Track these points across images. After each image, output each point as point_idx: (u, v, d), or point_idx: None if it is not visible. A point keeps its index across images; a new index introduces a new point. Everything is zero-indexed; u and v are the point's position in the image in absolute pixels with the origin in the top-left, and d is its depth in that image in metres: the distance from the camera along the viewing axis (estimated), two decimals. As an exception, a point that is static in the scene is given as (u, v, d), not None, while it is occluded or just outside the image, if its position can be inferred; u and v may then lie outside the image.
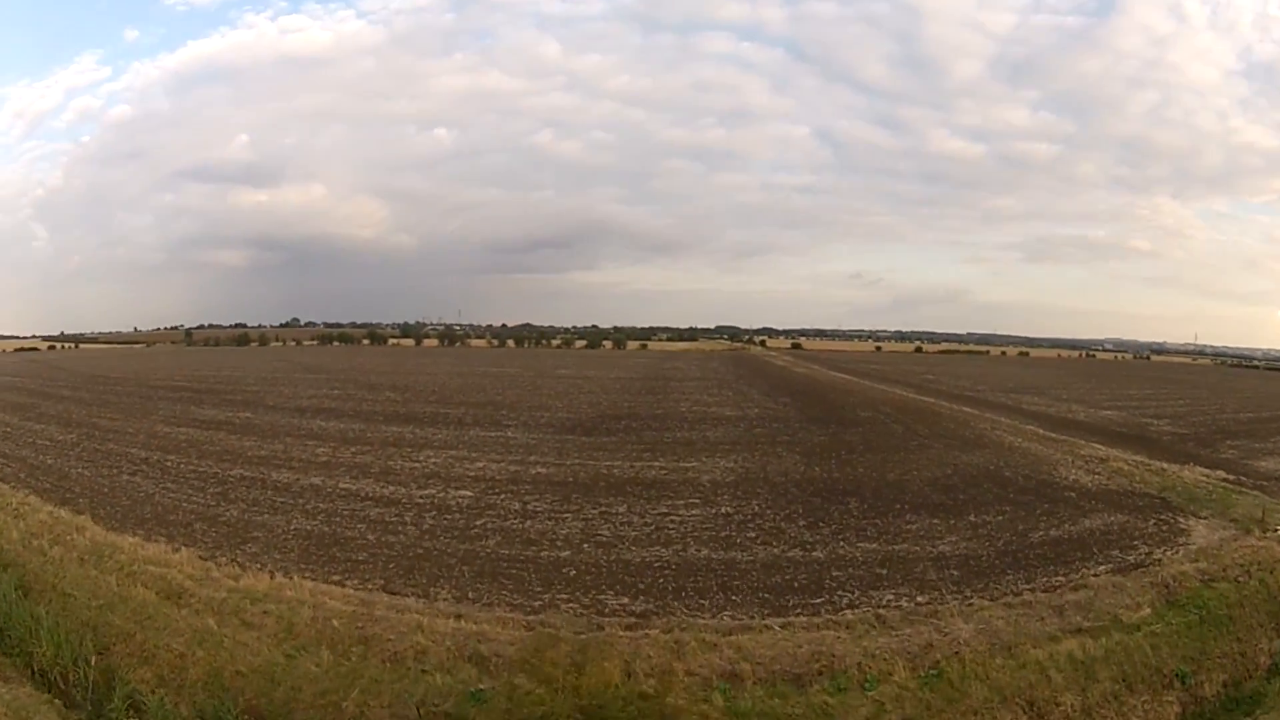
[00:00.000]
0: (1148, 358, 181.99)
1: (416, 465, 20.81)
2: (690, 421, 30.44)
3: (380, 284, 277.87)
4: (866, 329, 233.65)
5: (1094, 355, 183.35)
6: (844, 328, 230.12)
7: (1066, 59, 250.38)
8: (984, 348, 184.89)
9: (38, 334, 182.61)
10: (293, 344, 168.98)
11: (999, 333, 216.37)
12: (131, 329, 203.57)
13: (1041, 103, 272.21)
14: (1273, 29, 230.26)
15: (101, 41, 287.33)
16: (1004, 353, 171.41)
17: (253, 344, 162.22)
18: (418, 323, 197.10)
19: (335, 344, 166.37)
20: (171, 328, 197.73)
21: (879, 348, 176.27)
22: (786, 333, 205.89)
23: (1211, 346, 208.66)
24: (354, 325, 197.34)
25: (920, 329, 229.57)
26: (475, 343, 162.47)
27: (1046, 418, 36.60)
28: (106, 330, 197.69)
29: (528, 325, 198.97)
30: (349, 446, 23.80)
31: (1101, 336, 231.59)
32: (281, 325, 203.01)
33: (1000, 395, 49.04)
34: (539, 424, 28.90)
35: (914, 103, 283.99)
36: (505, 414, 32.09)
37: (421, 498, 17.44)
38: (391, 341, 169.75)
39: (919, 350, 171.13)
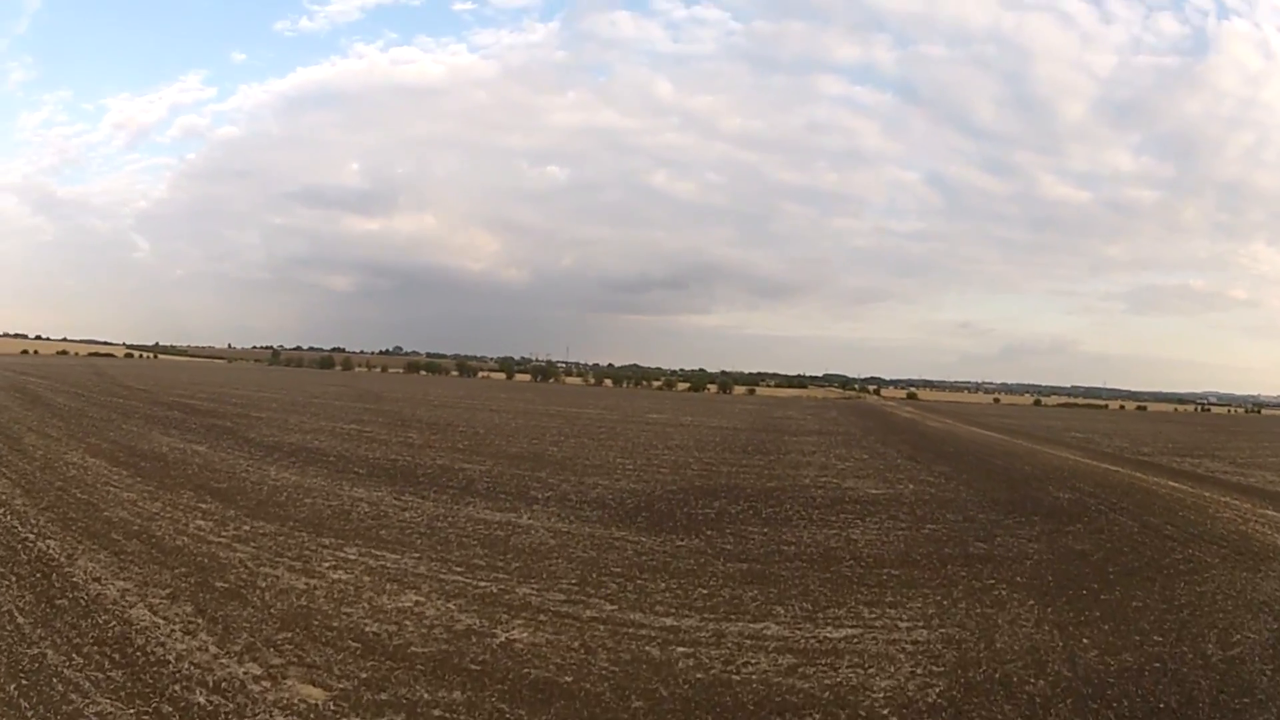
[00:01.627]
0: (1258, 411, 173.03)
1: (298, 584, 10.27)
2: (820, 506, 19.33)
3: (488, 317, 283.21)
4: (975, 380, 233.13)
5: (1208, 409, 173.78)
6: (951, 378, 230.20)
7: (1166, 99, 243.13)
8: (1101, 401, 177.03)
9: (131, 342, 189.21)
10: (378, 370, 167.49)
11: (1105, 385, 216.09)
12: (226, 344, 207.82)
13: (1144, 146, 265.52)
14: None
15: (207, 62, 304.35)
16: (1122, 406, 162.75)
17: (337, 368, 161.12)
18: (523, 358, 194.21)
19: (422, 373, 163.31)
20: (265, 346, 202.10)
21: (997, 399, 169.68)
22: (895, 382, 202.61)
23: None
24: (456, 356, 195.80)
25: (1027, 381, 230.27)
26: (571, 380, 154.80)
27: (1263, 494, 25.04)
28: (202, 343, 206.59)
29: (634, 365, 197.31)
30: (253, 520, 14.03)
31: (1199, 390, 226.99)
32: (381, 352, 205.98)
33: (1175, 459, 37.57)
34: (582, 499, 18.30)
35: (1022, 146, 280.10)
36: (543, 477, 21.72)
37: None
38: (482, 374, 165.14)
39: (1038, 403, 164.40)
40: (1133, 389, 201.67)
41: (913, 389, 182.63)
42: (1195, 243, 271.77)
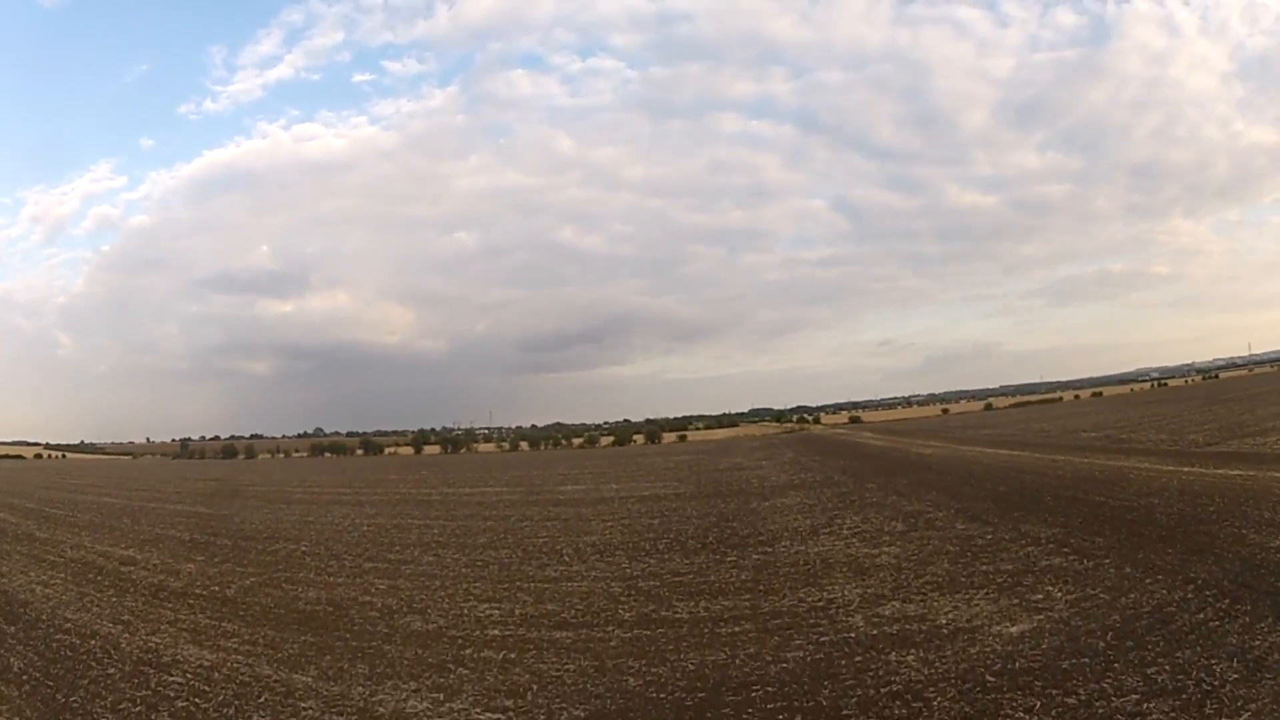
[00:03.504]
0: (1216, 376, 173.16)
1: None
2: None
3: (408, 389, 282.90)
4: (899, 395, 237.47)
5: (1165, 384, 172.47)
6: (877, 397, 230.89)
7: (1070, 93, 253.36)
8: (1053, 395, 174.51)
9: (57, 441, 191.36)
10: (281, 456, 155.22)
11: (1034, 380, 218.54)
12: (145, 439, 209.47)
13: (1050, 142, 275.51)
14: (1262, 18, 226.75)
15: (116, 150, 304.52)
16: (1076, 396, 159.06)
17: (240, 456, 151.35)
18: (444, 428, 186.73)
19: (327, 455, 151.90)
20: (183, 439, 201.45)
21: (945, 410, 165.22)
22: (824, 408, 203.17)
23: (1243, 356, 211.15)
24: (374, 433, 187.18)
25: (952, 389, 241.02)
26: (484, 448, 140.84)
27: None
28: (126, 438, 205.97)
29: (557, 424, 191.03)
30: None
31: (1131, 369, 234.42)
32: (300, 435, 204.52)
33: (1206, 445, 30.54)
34: None
35: (926, 161, 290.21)
36: (308, 684, 9.04)
37: None
38: (389, 450, 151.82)
39: (989, 407, 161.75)
40: (1063, 379, 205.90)
41: (854, 412, 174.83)
42: (1111, 228, 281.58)
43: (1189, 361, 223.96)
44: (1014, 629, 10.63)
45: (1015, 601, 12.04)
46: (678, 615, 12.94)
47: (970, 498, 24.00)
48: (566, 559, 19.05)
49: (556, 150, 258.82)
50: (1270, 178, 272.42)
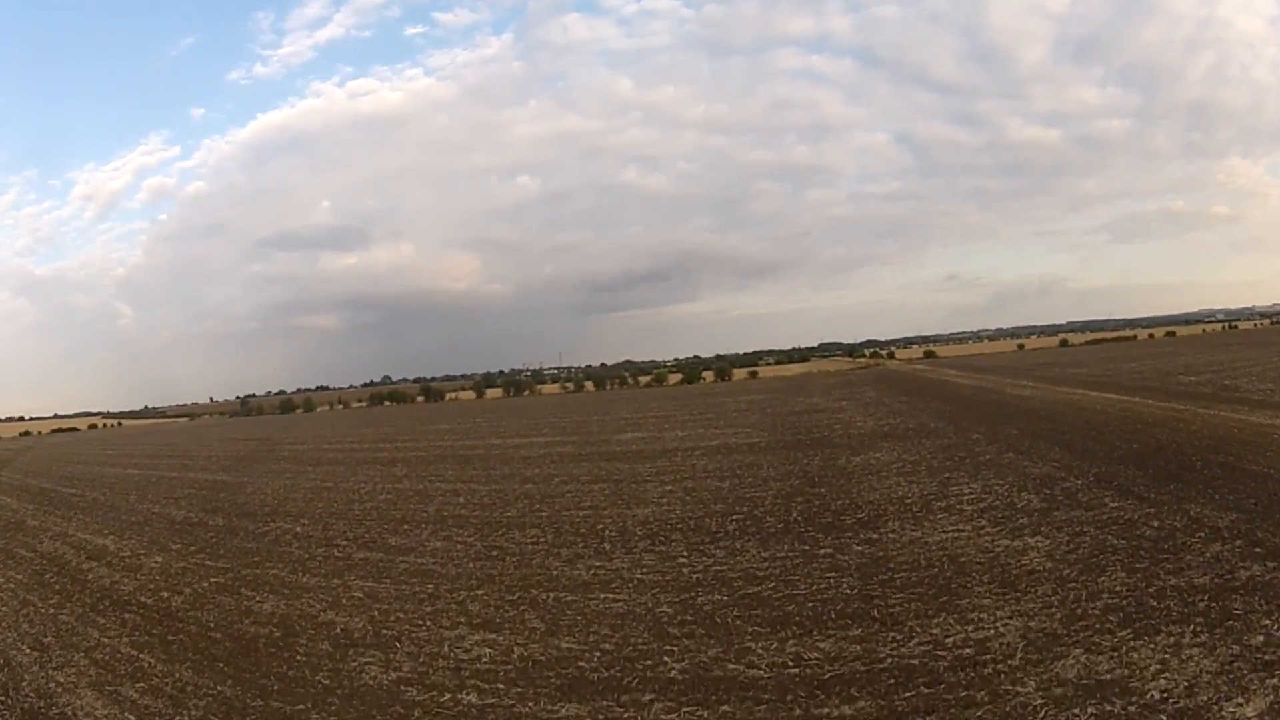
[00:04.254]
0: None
1: None
2: None
3: (475, 335, 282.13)
4: (968, 330, 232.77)
5: (1235, 326, 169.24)
6: (945, 331, 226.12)
7: (1124, 30, 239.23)
8: (1128, 333, 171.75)
9: (120, 409, 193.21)
10: (340, 407, 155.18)
11: (1097, 318, 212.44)
12: (208, 399, 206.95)
13: (1108, 78, 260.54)
14: None
15: (168, 122, 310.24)
16: (1151, 335, 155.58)
17: (298, 410, 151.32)
18: (511, 370, 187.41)
19: (386, 404, 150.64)
20: (244, 396, 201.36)
21: (1021, 345, 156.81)
22: (891, 342, 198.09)
23: None
24: (443, 379, 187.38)
25: (1020, 324, 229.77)
26: (548, 390, 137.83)
27: None
28: (190, 400, 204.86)
29: (627, 362, 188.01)
30: None
31: (1195, 310, 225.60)
32: (366, 384, 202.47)
33: None
34: None
35: (986, 95, 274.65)
36: None
37: None
38: (450, 396, 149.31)
39: (1064, 344, 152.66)
40: (1128, 317, 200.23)
41: (927, 347, 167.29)
42: (1171, 166, 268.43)
43: (1249, 305, 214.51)
44: (1249, 711, 5.99)
45: (1234, 649, 7.49)
46: (752, 671, 8.41)
47: (1104, 459, 18.78)
48: (608, 546, 14.77)
49: (615, 92, 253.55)
50: None
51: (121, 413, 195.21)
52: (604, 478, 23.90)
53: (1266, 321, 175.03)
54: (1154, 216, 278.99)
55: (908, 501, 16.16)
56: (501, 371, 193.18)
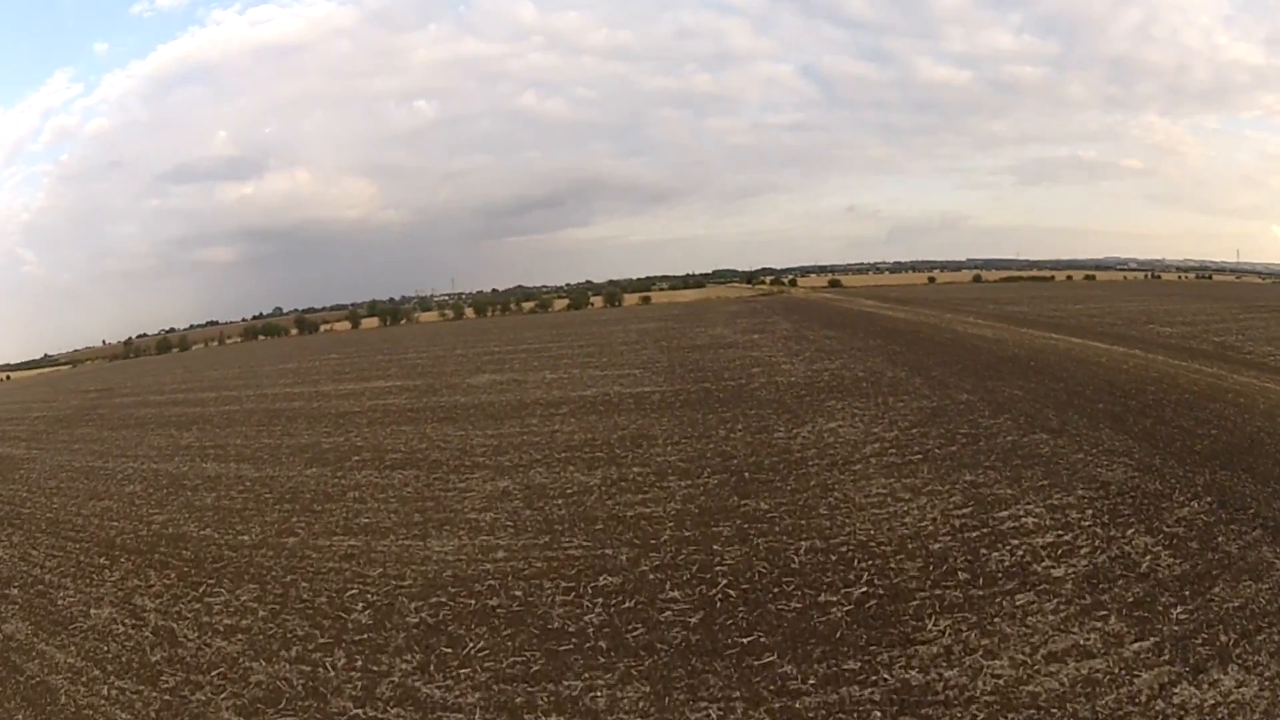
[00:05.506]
0: (1209, 277, 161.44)
1: None
2: None
3: (371, 263, 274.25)
4: (866, 262, 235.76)
5: (1159, 276, 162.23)
6: (842, 262, 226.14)
7: None
8: (1044, 273, 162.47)
9: (22, 359, 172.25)
10: (215, 344, 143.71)
11: (999, 257, 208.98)
12: (101, 343, 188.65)
13: (1025, 25, 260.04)
14: None
15: (71, 58, 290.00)
16: (1069, 277, 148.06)
17: (173, 349, 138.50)
18: (403, 298, 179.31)
19: (260, 338, 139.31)
20: (128, 339, 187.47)
21: (932, 279, 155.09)
22: (785, 271, 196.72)
23: (1213, 262, 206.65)
24: (336, 308, 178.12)
25: (920, 258, 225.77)
26: (425, 317, 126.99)
27: None
28: (84, 347, 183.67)
29: (519, 287, 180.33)
30: None
31: (1101, 256, 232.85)
32: (256, 317, 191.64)
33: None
34: None
35: (898, 33, 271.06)
36: None
37: None
38: (325, 328, 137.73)
39: (977, 279, 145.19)
40: (1033, 259, 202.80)
41: (832, 276, 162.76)
42: (1084, 115, 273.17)
43: (1160, 258, 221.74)
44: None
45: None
46: None
47: (1179, 450, 11.83)
48: (339, 664, 6.49)
49: (517, 16, 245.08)
50: (1252, 94, 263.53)
51: (20, 364, 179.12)
52: (418, 459, 15.56)
53: (1191, 275, 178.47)
54: (1064, 162, 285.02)
55: (928, 537, 8.50)
56: (391, 299, 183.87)
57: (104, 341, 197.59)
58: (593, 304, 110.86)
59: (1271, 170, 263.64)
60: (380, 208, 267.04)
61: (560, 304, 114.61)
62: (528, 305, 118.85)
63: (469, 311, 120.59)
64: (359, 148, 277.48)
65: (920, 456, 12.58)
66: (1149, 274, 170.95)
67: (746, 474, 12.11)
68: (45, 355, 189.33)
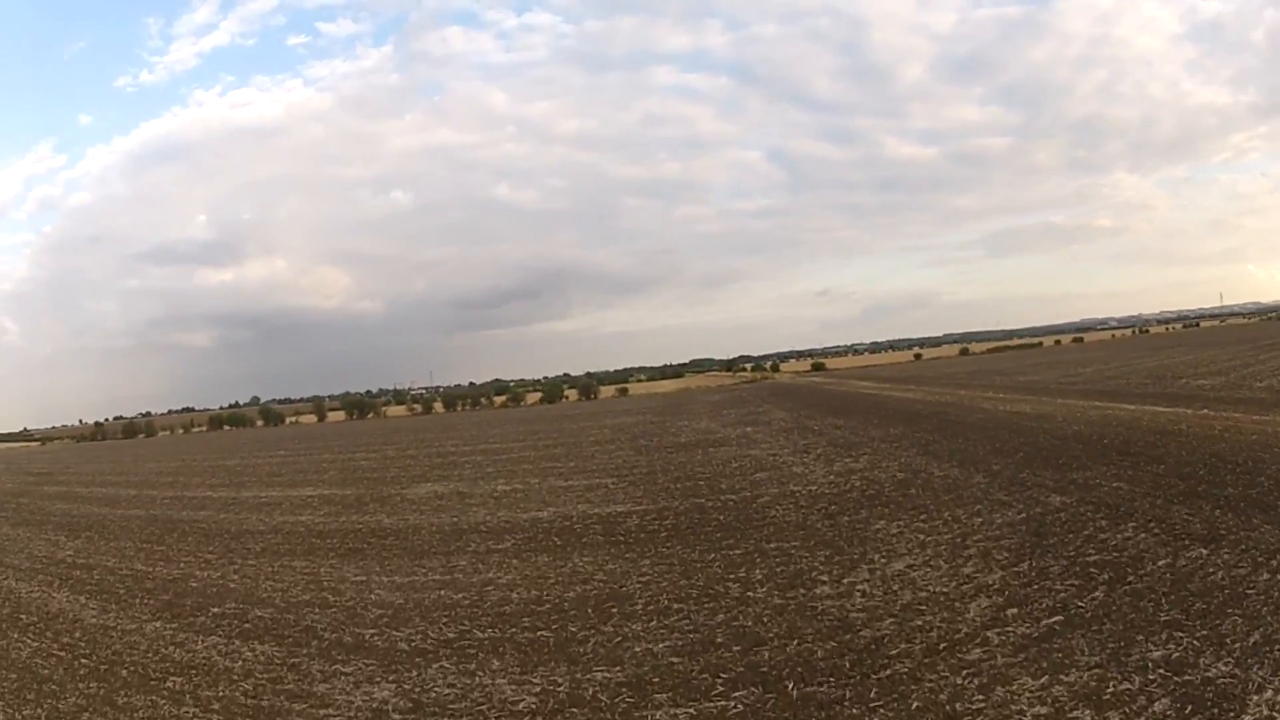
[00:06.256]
0: (1197, 324, 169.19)
1: None
2: None
3: (346, 352, 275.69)
4: (841, 344, 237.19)
5: (1147, 330, 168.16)
6: (817, 346, 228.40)
7: (1011, 50, 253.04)
8: (1033, 340, 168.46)
9: (4, 430, 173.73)
10: (181, 431, 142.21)
11: (976, 329, 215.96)
12: (78, 421, 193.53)
13: (990, 97, 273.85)
14: None
15: (56, 128, 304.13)
16: (1057, 342, 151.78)
17: (140, 435, 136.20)
18: (379, 390, 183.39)
19: (225, 428, 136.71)
20: (99, 420, 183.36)
21: (918, 355, 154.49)
22: (763, 357, 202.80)
23: (1190, 311, 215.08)
24: (313, 398, 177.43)
25: (896, 336, 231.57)
26: (394, 411, 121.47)
27: None
28: (63, 423, 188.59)
29: (496, 381, 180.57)
30: None
31: (1077, 318, 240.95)
32: (231, 405, 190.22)
33: None
34: None
35: (864, 113, 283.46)
36: None
37: None
38: (291, 419, 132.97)
39: (965, 352, 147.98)
40: (1007, 328, 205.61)
41: (816, 360, 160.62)
42: (1052, 182, 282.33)
43: (1135, 314, 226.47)
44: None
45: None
46: None
47: None
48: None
49: (490, 106, 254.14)
50: (1220, 138, 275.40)
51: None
52: (286, 625, 10.24)
53: (1178, 325, 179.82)
54: (1033, 230, 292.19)
55: None
56: (368, 391, 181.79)
57: (80, 420, 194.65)
58: (567, 397, 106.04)
59: (1243, 211, 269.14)
60: (356, 298, 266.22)
61: (533, 398, 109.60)
62: (500, 399, 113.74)
63: (439, 405, 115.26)
64: (334, 235, 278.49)
65: (1060, 618, 7.47)
66: (1135, 329, 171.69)
67: (791, 685, 6.91)
68: (24, 429, 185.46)
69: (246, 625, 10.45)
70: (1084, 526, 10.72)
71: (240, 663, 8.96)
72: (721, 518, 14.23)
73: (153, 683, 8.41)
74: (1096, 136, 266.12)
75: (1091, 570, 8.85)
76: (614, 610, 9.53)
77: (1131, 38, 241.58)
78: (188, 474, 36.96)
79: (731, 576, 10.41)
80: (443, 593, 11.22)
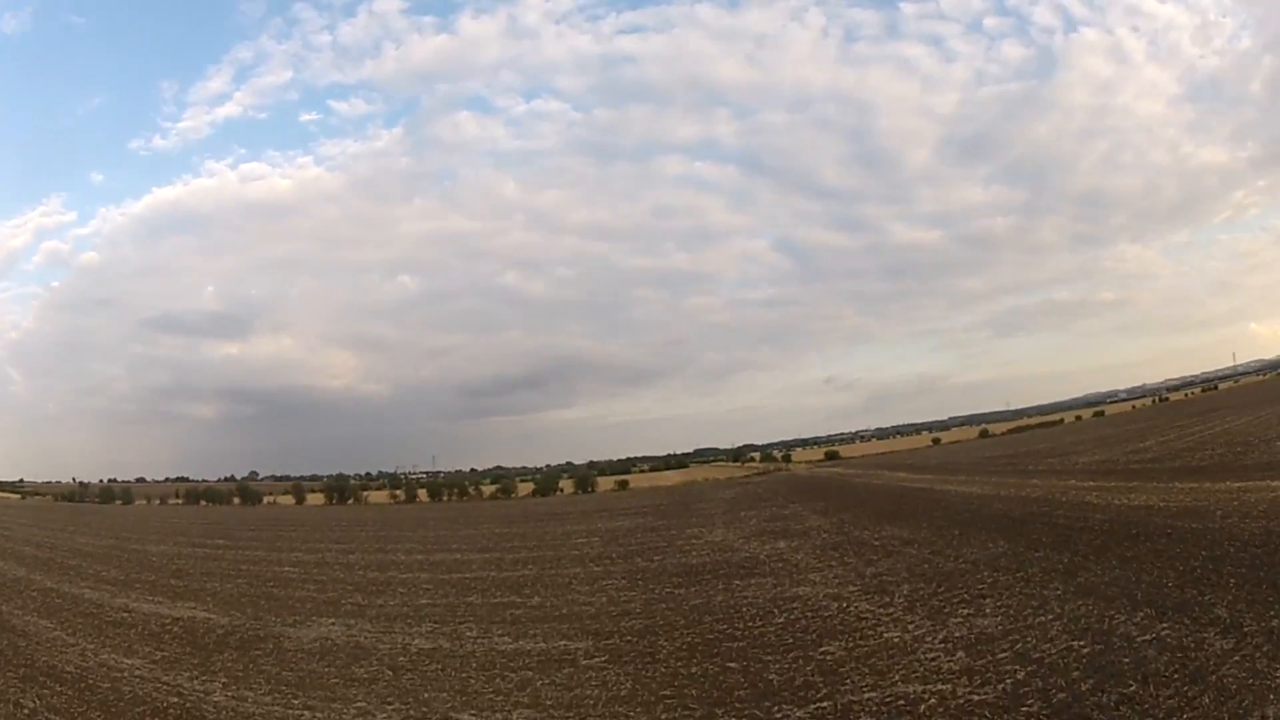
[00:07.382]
0: (1215, 387, 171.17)
1: None
2: None
3: (350, 434, 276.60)
4: (846, 431, 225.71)
5: (1166, 399, 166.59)
6: (823, 434, 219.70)
7: (1014, 126, 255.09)
8: (1055, 417, 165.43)
9: (2, 478, 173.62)
10: (158, 502, 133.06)
11: (980, 411, 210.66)
12: (72, 479, 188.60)
13: (994, 176, 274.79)
14: (1214, 38, 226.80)
15: (68, 184, 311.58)
16: (1078, 418, 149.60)
17: (116, 500, 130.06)
18: (379, 473, 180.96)
19: (202, 503, 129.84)
20: (112, 479, 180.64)
21: (936, 440, 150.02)
22: (767, 446, 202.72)
23: (1195, 375, 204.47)
24: (313, 478, 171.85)
25: (901, 422, 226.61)
26: (375, 497, 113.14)
27: None
28: (58, 479, 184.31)
29: (499, 467, 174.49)
30: None
31: (1083, 393, 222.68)
32: (226, 479, 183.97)
33: None
34: None
35: (869, 200, 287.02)
36: None
37: None
38: (267, 499, 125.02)
39: (984, 434, 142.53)
40: (1014, 408, 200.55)
41: (828, 448, 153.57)
42: (1057, 258, 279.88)
43: (1139, 384, 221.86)
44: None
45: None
46: None
47: None
48: None
49: (501, 194, 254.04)
50: (1221, 197, 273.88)
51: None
52: None
53: (1197, 390, 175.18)
54: (1037, 309, 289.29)
55: None
56: (367, 474, 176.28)
57: (74, 479, 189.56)
58: (561, 489, 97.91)
59: (1245, 270, 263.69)
60: (362, 380, 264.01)
61: (526, 488, 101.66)
62: (490, 489, 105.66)
63: (422, 493, 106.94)
64: (343, 317, 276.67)
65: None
66: (1154, 399, 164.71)
67: None
68: (21, 480, 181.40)
69: None
70: None
71: None
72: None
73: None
74: (1099, 209, 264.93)
75: None
76: None
77: (1132, 105, 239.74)
78: (111, 555, 32.19)
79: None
80: None
